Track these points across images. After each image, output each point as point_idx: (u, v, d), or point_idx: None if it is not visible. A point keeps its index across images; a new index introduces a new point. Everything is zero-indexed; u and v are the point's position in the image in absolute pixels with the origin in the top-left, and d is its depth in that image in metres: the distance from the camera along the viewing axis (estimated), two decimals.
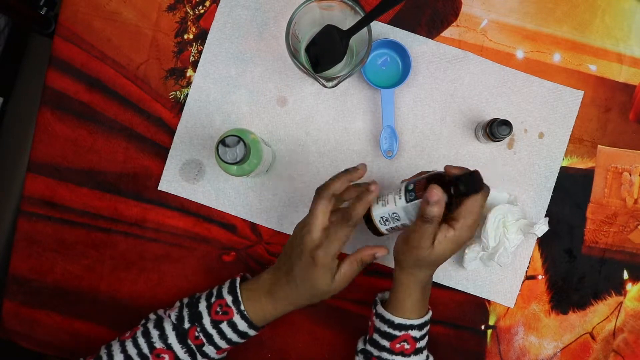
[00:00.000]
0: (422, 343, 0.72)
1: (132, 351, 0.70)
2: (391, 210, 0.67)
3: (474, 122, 0.83)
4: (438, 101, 0.83)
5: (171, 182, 0.84)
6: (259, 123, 0.84)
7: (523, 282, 0.84)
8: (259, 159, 0.73)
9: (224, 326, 0.70)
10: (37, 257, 0.85)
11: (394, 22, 0.83)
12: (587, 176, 0.84)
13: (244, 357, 0.85)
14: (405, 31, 0.83)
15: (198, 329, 0.70)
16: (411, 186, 0.65)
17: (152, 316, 0.74)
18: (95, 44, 0.84)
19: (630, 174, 0.83)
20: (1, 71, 1.17)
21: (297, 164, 0.84)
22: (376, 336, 0.71)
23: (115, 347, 0.71)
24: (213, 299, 0.71)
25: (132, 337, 0.71)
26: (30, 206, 0.85)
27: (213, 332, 0.70)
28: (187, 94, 0.84)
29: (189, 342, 0.70)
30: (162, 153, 0.84)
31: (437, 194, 0.62)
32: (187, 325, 0.70)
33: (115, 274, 0.85)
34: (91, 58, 0.84)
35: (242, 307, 0.70)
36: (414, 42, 0.83)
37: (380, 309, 0.72)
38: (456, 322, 0.84)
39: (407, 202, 0.65)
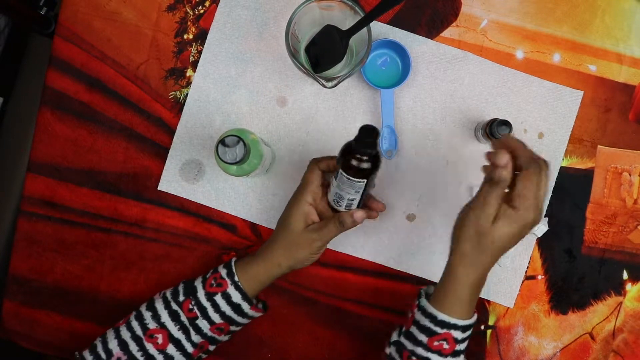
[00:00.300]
0: (462, 346, 0.67)
1: (125, 335, 0.71)
2: (333, 192, 0.68)
3: (473, 122, 0.83)
4: (438, 101, 0.83)
5: (171, 182, 0.84)
6: (259, 123, 0.84)
7: (523, 282, 0.84)
8: (259, 159, 0.73)
9: (218, 298, 0.71)
10: (37, 257, 0.85)
11: (393, 22, 0.83)
12: (586, 176, 0.84)
13: (244, 357, 0.85)
14: (405, 31, 0.83)
15: (192, 302, 0.71)
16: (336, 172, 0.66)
17: (147, 302, 0.74)
18: (95, 44, 0.84)
19: (629, 174, 0.83)
20: (1, 71, 1.17)
21: (297, 164, 0.84)
22: (414, 329, 0.67)
23: (110, 334, 0.72)
24: (208, 275, 0.73)
25: (125, 322, 0.72)
26: (30, 206, 0.85)
27: (207, 304, 0.70)
28: (187, 94, 0.84)
29: (182, 317, 0.70)
30: (162, 153, 0.84)
31: (501, 155, 0.59)
32: (181, 298, 0.71)
33: (115, 274, 0.85)
34: (91, 58, 0.84)
35: (236, 278, 0.71)
36: (413, 42, 0.83)
37: (424, 302, 0.67)
38: None
39: (335, 179, 0.66)
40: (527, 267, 0.84)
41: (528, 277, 0.84)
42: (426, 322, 0.66)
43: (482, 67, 0.83)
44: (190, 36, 0.84)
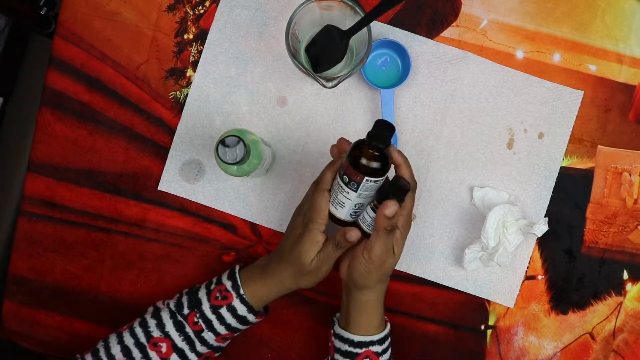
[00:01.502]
0: (385, 357, 0.72)
1: (129, 341, 0.70)
2: (352, 205, 0.66)
3: (474, 122, 0.83)
4: (438, 101, 0.83)
5: (171, 182, 0.84)
6: (259, 123, 0.84)
7: (523, 282, 0.84)
8: (259, 159, 0.73)
9: (224, 311, 0.70)
10: (37, 257, 0.85)
11: (394, 22, 0.83)
12: (586, 176, 0.84)
13: (244, 357, 0.85)
14: (405, 31, 0.83)
15: (197, 315, 0.70)
16: (346, 179, 0.64)
17: (150, 309, 0.74)
18: (95, 44, 0.84)
19: (630, 174, 0.83)
20: (1, 71, 1.17)
21: (297, 164, 0.84)
22: (338, 356, 0.71)
23: (112, 339, 0.71)
24: (212, 286, 0.72)
25: (129, 328, 0.72)
26: (30, 206, 0.85)
27: (212, 317, 0.70)
28: (187, 94, 0.84)
29: (187, 329, 0.70)
30: (162, 153, 0.84)
31: (392, 207, 0.63)
32: (186, 311, 0.71)
33: (115, 274, 0.85)
34: (91, 58, 0.84)
35: (242, 291, 0.71)
36: (413, 42, 0.83)
37: (338, 330, 0.71)
38: (456, 322, 0.84)
39: (355, 191, 0.64)
40: (527, 267, 0.84)
41: (528, 277, 0.84)
42: (345, 347, 0.70)
43: (482, 67, 0.83)
44: (191, 36, 0.84)
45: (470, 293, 0.84)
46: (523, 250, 0.83)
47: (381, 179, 0.64)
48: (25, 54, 1.12)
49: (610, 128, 0.84)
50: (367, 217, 0.66)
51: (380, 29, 0.83)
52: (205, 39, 0.84)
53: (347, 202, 0.66)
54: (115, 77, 0.84)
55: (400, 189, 0.64)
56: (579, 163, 0.84)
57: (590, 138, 0.84)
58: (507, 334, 0.84)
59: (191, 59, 0.84)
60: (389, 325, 0.73)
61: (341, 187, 0.65)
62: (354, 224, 0.68)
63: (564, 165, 0.84)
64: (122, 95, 0.84)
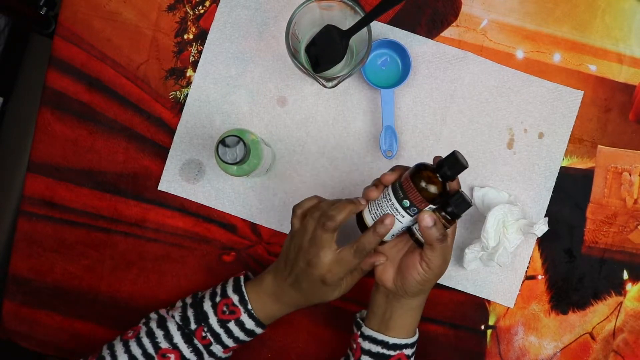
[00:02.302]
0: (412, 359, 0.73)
1: (136, 351, 0.70)
2: (400, 227, 0.66)
3: (474, 122, 0.83)
4: (438, 101, 0.83)
5: (171, 182, 0.84)
6: (259, 123, 0.84)
7: (523, 282, 0.84)
8: (259, 159, 0.73)
9: (232, 325, 0.70)
10: (37, 257, 0.85)
11: (394, 22, 0.83)
12: (587, 176, 0.84)
13: (244, 357, 0.85)
14: (405, 31, 0.83)
15: (205, 329, 0.70)
16: (407, 203, 0.64)
17: (153, 315, 0.74)
18: (95, 44, 0.84)
19: (630, 174, 0.83)
20: (1, 71, 1.17)
21: (297, 164, 0.84)
22: (365, 357, 0.70)
23: (119, 347, 0.71)
24: (218, 299, 0.72)
25: (135, 337, 0.71)
26: (30, 206, 0.85)
27: (220, 331, 0.70)
28: (187, 94, 0.84)
29: (196, 342, 0.70)
30: (162, 153, 0.84)
31: (429, 218, 0.63)
32: (193, 326, 0.70)
33: (115, 274, 0.85)
34: (91, 58, 0.84)
35: (250, 307, 0.70)
36: (413, 42, 0.83)
37: (369, 331, 0.71)
38: (456, 322, 0.84)
39: (412, 216, 0.65)
40: (527, 267, 0.84)
41: (528, 277, 0.84)
42: (378, 349, 0.70)
43: (482, 67, 0.83)
44: (191, 36, 0.84)
45: (470, 293, 0.84)
46: (523, 250, 0.83)
47: (433, 207, 0.65)
48: (25, 54, 1.12)
49: (611, 128, 0.84)
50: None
51: (380, 29, 0.83)
52: (205, 39, 0.84)
53: (397, 225, 0.65)
54: (115, 77, 0.84)
55: (464, 204, 0.64)
56: (579, 163, 0.84)
57: (590, 138, 0.84)
58: (507, 334, 0.84)
59: (191, 59, 0.84)
60: (417, 330, 0.73)
61: (396, 209, 0.64)
62: (409, 231, 0.68)
63: (564, 165, 0.84)
64: (122, 95, 0.84)
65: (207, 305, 0.71)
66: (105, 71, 0.84)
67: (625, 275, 0.84)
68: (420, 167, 0.64)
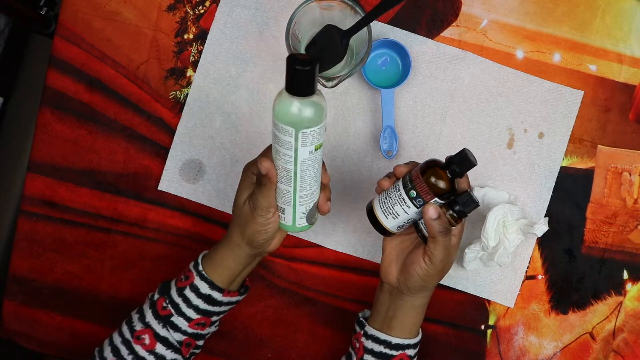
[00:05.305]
0: None
1: (117, 340, 0.70)
2: (406, 218, 0.66)
3: (474, 122, 0.83)
4: (438, 101, 0.83)
5: (171, 182, 0.84)
6: (259, 123, 0.84)
7: (523, 282, 0.84)
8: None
9: (187, 292, 0.69)
10: (37, 257, 0.85)
11: (394, 22, 0.83)
12: (587, 176, 0.84)
13: (244, 357, 0.85)
14: (405, 31, 0.83)
15: (166, 300, 0.69)
16: (414, 193, 0.65)
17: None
18: (95, 44, 0.84)
19: (630, 174, 0.83)
20: (1, 71, 1.17)
21: None
22: (369, 357, 0.70)
23: (105, 343, 0.71)
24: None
25: (118, 329, 0.71)
26: (30, 206, 0.85)
27: (179, 300, 0.69)
28: (187, 94, 0.84)
29: (159, 312, 0.69)
30: (162, 153, 0.84)
31: (435, 210, 0.63)
32: (156, 296, 0.70)
33: (115, 274, 0.85)
34: (91, 58, 0.84)
35: (200, 268, 0.69)
36: (414, 42, 0.83)
37: (372, 330, 0.70)
38: (456, 321, 0.84)
39: (417, 207, 0.65)
40: (527, 267, 0.84)
41: (528, 277, 0.84)
42: (381, 348, 0.69)
43: (482, 67, 0.83)
44: (191, 36, 0.84)
45: (470, 293, 0.84)
46: (523, 250, 0.83)
47: (441, 203, 0.65)
48: (25, 54, 1.11)
49: (611, 128, 0.84)
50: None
51: (380, 29, 0.83)
52: (206, 38, 0.84)
53: (402, 215, 0.66)
54: (115, 77, 0.84)
55: (472, 203, 0.64)
56: (579, 163, 0.84)
57: (590, 138, 0.84)
58: (507, 333, 0.84)
59: (191, 58, 0.84)
60: (420, 330, 0.73)
61: (403, 199, 0.65)
62: (416, 227, 0.68)
63: (564, 165, 0.84)
64: (122, 95, 0.84)
65: (173, 280, 0.71)
66: (105, 71, 0.84)
67: (625, 275, 0.84)
68: (430, 163, 0.65)
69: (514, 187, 0.83)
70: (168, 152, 0.84)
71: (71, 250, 0.85)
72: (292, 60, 0.54)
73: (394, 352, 0.69)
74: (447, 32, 0.84)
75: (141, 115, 0.84)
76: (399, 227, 0.67)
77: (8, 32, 1.20)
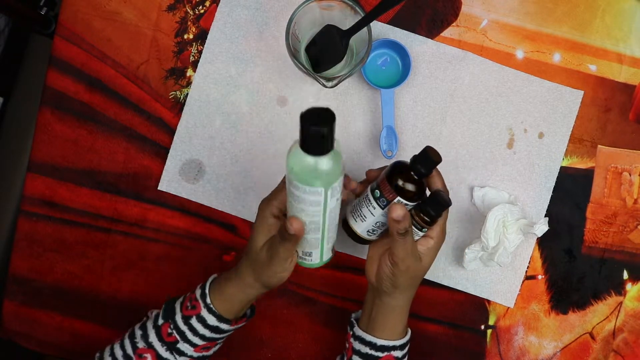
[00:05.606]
0: None
1: (118, 353, 0.70)
2: (373, 221, 0.66)
3: (474, 122, 0.83)
4: (438, 101, 0.84)
5: (171, 182, 0.84)
6: (259, 123, 0.84)
7: (523, 282, 0.84)
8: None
9: (194, 321, 0.68)
10: (37, 257, 0.85)
11: (394, 22, 0.83)
12: (587, 176, 0.84)
13: (244, 357, 0.85)
14: (405, 31, 0.83)
15: (171, 326, 0.68)
16: (378, 193, 0.64)
17: (143, 318, 0.74)
18: (95, 44, 0.84)
19: (630, 174, 0.84)
20: (1, 71, 1.17)
21: None
22: (356, 358, 0.70)
23: (106, 353, 0.71)
24: (188, 294, 0.70)
25: (120, 340, 0.71)
26: (30, 206, 0.85)
27: (185, 328, 0.68)
28: (187, 94, 0.84)
29: (164, 338, 0.69)
30: (162, 153, 0.84)
31: (399, 211, 0.62)
32: (160, 321, 0.69)
33: (115, 274, 0.85)
34: (91, 58, 0.84)
35: (208, 300, 0.68)
36: (414, 42, 0.83)
37: (359, 332, 0.70)
38: (456, 321, 0.84)
39: (382, 208, 0.65)
40: (527, 267, 0.84)
41: (528, 277, 0.84)
42: (367, 350, 0.69)
43: (482, 67, 0.83)
44: (191, 36, 0.84)
45: (470, 293, 0.84)
46: (523, 250, 0.83)
47: (411, 205, 0.64)
48: (25, 54, 1.11)
49: (610, 128, 0.84)
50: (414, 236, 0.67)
51: (380, 29, 0.83)
52: (206, 38, 0.84)
53: (369, 217, 0.66)
54: (115, 77, 0.84)
55: (440, 205, 0.64)
56: (579, 163, 0.84)
57: (590, 138, 0.84)
58: (507, 333, 0.84)
59: (191, 58, 0.84)
60: (409, 331, 0.72)
61: (369, 200, 0.65)
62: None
63: (564, 165, 0.84)
64: (122, 95, 0.84)
65: (178, 302, 0.70)
66: (105, 71, 0.84)
67: (625, 275, 0.84)
68: (396, 163, 0.65)
69: (514, 187, 0.83)
70: (168, 152, 0.84)
71: (71, 250, 0.85)
72: (309, 122, 0.50)
73: (380, 354, 0.69)
74: (447, 32, 0.84)
75: (141, 115, 0.84)
76: (368, 231, 0.67)
77: (8, 32, 1.20)
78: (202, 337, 0.68)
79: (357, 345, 0.70)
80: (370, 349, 0.69)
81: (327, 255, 0.66)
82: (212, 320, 0.68)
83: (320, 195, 0.56)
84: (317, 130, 0.50)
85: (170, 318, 0.69)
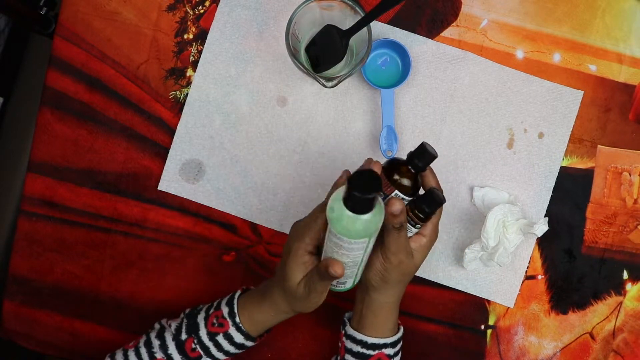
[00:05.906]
0: (397, 359, 0.72)
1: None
2: None
3: (474, 122, 0.83)
4: (438, 101, 0.84)
5: (171, 182, 0.84)
6: (259, 123, 0.84)
7: (523, 282, 0.84)
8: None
9: (220, 338, 0.69)
10: (37, 257, 0.85)
11: (394, 22, 0.83)
12: (586, 176, 0.84)
13: (244, 357, 0.85)
14: (405, 31, 0.83)
15: (195, 341, 0.69)
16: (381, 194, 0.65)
17: (156, 326, 0.74)
18: (95, 44, 0.84)
19: (630, 174, 0.84)
20: (1, 71, 1.17)
21: (297, 164, 0.84)
22: (349, 357, 0.71)
23: (119, 357, 0.71)
24: (211, 311, 0.71)
25: (134, 346, 0.71)
26: (30, 206, 0.85)
27: (210, 344, 0.69)
28: (187, 94, 0.84)
29: (188, 353, 0.70)
30: (162, 153, 0.84)
31: (397, 205, 0.61)
32: (184, 336, 0.70)
33: (115, 274, 0.85)
34: (91, 58, 0.84)
35: (238, 320, 0.69)
36: (414, 42, 0.83)
37: (350, 331, 0.71)
38: (456, 322, 0.84)
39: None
40: (527, 267, 0.84)
41: (528, 277, 0.84)
42: (358, 348, 0.70)
43: (482, 67, 0.83)
44: (191, 36, 0.84)
45: (470, 293, 0.84)
46: (523, 250, 0.83)
47: (407, 200, 0.65)
48: (25, 54, 1.12)
49: (610, 128, 0.84)
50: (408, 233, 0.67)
51: (380, 29, 0.83)
52: (205, 38, 0.84)
53: None
54: (115, 77, 0.84)
55: (435, 202, 0.65)
56: (579, 163, 0.84)
57: (590, 138, 0.84)
58: (507, 333, 0.84)
59: (191, 58, 0.84)
60: (402, 329, 0.73)
61: None
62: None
63: (564, 165, 0.84)
64: (122, 95, 0.84)
65: (201, 317, 0.71)
66: (105, 71, 0.84)
67: (625, 275, 0.84)
68: (393, 159, 0.66)
69: (514, 187, 0.83)
70: (168, 152, 0.84)
71: (71, 250, 0.85)
72: (358, 190, 0.51)
73: (371, 352, 0.69)
74: (447, 32, 0.84)
75: (141, 115, 0.84)
76: None
77: (8, 32, 1.20)
78: (227, 352, 0.70)
79: (349, 344, 0.71)
80: (362, 348, 0.70)
81: (358, 279, 0.68)
82: (239, 338, 0.70)
83: (364, 243, 0.58)
84: (367, 198, 0.52)
85: (194, 333, 0.70)
